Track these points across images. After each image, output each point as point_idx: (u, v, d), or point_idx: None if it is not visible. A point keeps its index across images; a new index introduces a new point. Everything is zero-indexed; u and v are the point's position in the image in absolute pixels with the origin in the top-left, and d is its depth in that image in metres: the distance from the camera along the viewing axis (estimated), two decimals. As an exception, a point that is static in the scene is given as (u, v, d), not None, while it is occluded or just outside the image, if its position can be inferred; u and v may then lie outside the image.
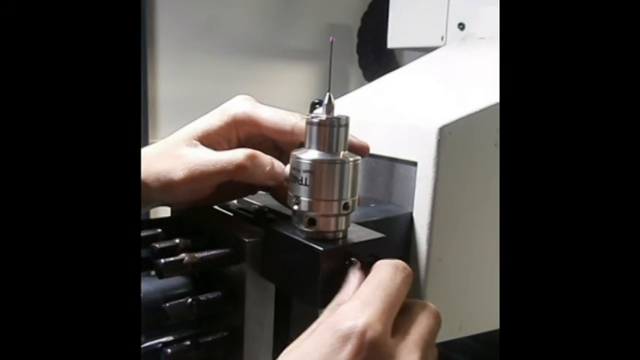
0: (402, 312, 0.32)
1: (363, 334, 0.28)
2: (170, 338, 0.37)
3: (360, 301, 0.30)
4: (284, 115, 0.40)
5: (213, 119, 0.41)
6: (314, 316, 0.39)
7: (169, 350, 0.35)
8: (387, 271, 0.33)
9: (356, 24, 1.67)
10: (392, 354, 0.29)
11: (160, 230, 0.40)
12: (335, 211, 0.34)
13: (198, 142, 0.40)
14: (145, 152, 0.40)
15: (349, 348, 0.28)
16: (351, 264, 0.34)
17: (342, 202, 0.34)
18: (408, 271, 0.33)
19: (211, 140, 0.40)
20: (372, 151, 0.41)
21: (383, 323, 0.29)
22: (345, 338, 0.28)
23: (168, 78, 1.55)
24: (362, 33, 1.66)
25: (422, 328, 0.32)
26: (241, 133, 0.41)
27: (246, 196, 0.44)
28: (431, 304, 0.34)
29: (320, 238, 0.35)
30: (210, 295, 0.37)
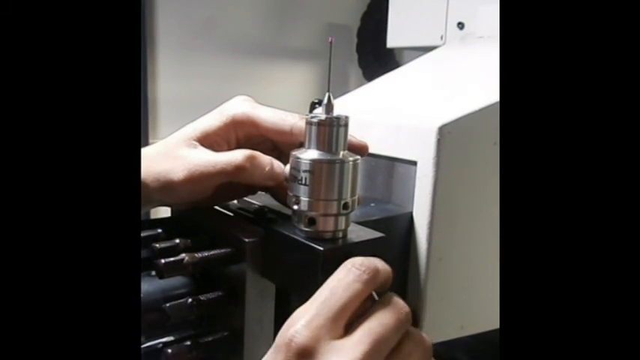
0: (365, 310, 0.32)
1: (289, 343, 0.30)
2: (170, 338, 0.37)
3: (302, 308, 0.31)
4: (283, 115, 0.40)
5: (212, 120, 0.41)
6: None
7: (170, 350, 0.35)
8: (338, 272, 0.32)
9: (355, 23, 1.67)
10: (330, 353, 0.29)
11: (160, 230, 0.40)
12: (335, 210, 0.34)
13: (197, 143, 0.40)
14: (145, 153, 0.40)
15: (279, 358, 0.30)
16: None
17: (342, 202, 0.34)
18: (366, 268, 0.32)
19: (211, 141, 0.40)
20: (371, 151, 0.41)
21: (313, 327, 0.30)
22: (278, 350, 0.30)
23: (168, 78, 1.55)
24: (361, 32, 1.66)
25: (372, 323, 0.31)
26: (240, 133, 0.41)
27: (246, 196, 0.44)
28: (397, 300, 0.33)
29: (320, 237, 0.35)
30: (210, 295, 0.37)
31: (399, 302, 0.33)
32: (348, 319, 0.31)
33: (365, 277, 0.32)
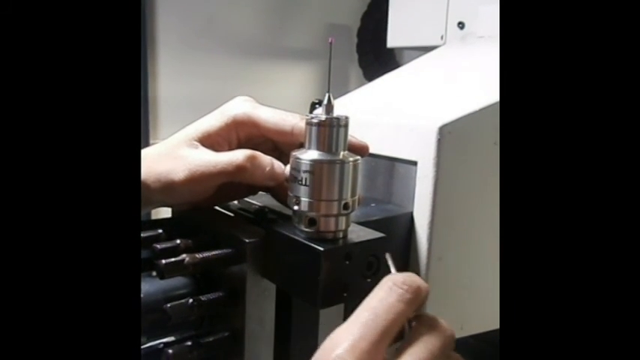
0: (411, 331, 0.31)
1: None
2: (171, 339, 0.37)
3: (343, 329, 0.30)
4: (284, 115, 0.41)
5: (213, 120, 0.41)
6: (315, 316, 0.39)
7: (170, 351, 0.35)
8: (378, 290, 0.31)
9: (355, 24, 1.67)
10: None
11: (160, 231, 0.40)
12: (335, 211, 0.34)
13: (198, 144, 0.40)
14: (146, 153, 0.40)
15: None
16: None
17: (342, 202, 0.34)
18: (408, 287, 0.31)
19: (211, 141, 0.40)
20: (371, 151, 0.41)
21: (358, 353, 0.28)
22: None
23: (169, 78, 1.55)
24: (361, 32, 1.65)
25: (419, 348, 0.30)
26: (241, 134, 0.41)
27: (246, 196, 0.44)
28: (441, 322, 0.31)
29: (320, 238, 0.35)
30: (211, 296, 0.37)
31: (443, 325, 0.31)
32: (391, 342, 0.30)
33: (408, 296, 0.31)
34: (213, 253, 0.37)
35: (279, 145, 0.42)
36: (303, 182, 0.34)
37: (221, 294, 0.37)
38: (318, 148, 0.34)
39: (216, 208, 0.44)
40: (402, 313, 0.30)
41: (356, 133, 0.39)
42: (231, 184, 0.39)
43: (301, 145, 0.37)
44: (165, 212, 0.45)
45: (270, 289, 0.38)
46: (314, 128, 0.35)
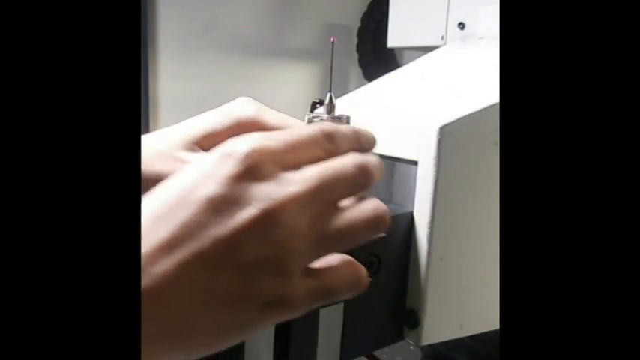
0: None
1: (247, 154, 0.28)
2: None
3: (260, 134, 0.29)
4: (292, 121, 0.40)
5: (215, 121, 0.41)
6: (315, 316, 0.39)
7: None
8: (308, 125, 0.31)
9: (356, 24, 1.68)
10: (271, 177, 0.28)
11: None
12: (336, 210, 0.34)
13: (198, 147, 0.40)
14: (144, 146, 0.40)
15: (230, 163, 0.28)
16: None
17: (343, 202, 0.34)
18: (333, 131, 0.31)
19: (214, 143, 0.40)
20: (372, 151, 0.41)
21: (271, 150, 0.28)
22: (227, 156, 0.28)
23: (170, 78, 1.55)
24: (362, 32, 1.65)
25: (324, 167, 0.29)
26: None
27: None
28: (363, 156, 0.31)
29: (321, 237, 0.35)
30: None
31: (358, 157, 0.31)
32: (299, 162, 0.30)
33: (327, 146, 0.31)
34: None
35: None
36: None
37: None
38: (319, 148, 0.34)
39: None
40: (315, 141, 0.30)
41: (357, 133, 0.38)
42: None
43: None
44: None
45: (270, 288, 0.38)
46: (315, 128, 0.35)
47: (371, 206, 0.31)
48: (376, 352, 0.60)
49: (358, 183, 0.31)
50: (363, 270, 0.31)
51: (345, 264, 0.31)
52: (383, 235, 0.37)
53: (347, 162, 0.30)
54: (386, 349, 0.53)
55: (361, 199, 0.32)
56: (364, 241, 0.31)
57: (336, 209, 0.30)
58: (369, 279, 0.33)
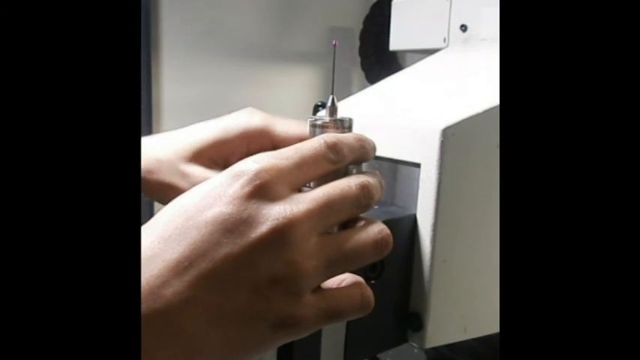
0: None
1: (256, 173, 0.28)
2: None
3: (267, 154, 0.30)
4: (302, 126, 0.40)
5: (220, 132, 0.41)
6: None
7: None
8: (310, 140, 0.31)
9: (358, 26, 1.68)
10: (279, 198, 0.28)
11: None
12: (339, 213, 0.34)
13: (204, 158, 0.40)
14: (146, 152, 0.40)
15: (239, 182, 0.28)
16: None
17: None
18: (336, 141, 0.31)
19: (219, 152, 0.40)
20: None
21: (280, 169, 0.29)
22: (238, 176, 0.28)
23: (172, 81, 1.56)
24: (364, 35, 1.66)
25: (330, 187, 0.30)
26: (253, 146, 0.41)
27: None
28: (366, 177, 0.32)
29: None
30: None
31: (363, 177, 0.32)
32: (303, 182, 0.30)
33: (337, 147, 0.31)
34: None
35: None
36: (308, 185, 0.34)
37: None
38: (322, 150, 0.34)
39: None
40: (323, 159, 0.31)
41: (359, 136, 0.38)
42: None
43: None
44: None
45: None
46: (318, 130, 0.35)
47: (377, 229, 0.32)
48: (380, 355, 0.60)
49: (361, 203, 0.31)
50: (369, 292, 0.32)
51: (352, 285, 0.32)
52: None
53: (351, 182, 0.31)
54: (390, 352, 0.53)
55: (367, 221, 0.32)
56: (369, 262, 0.32)
57: (342, 230, 0.31)
58: (373, 281, 0.33)
